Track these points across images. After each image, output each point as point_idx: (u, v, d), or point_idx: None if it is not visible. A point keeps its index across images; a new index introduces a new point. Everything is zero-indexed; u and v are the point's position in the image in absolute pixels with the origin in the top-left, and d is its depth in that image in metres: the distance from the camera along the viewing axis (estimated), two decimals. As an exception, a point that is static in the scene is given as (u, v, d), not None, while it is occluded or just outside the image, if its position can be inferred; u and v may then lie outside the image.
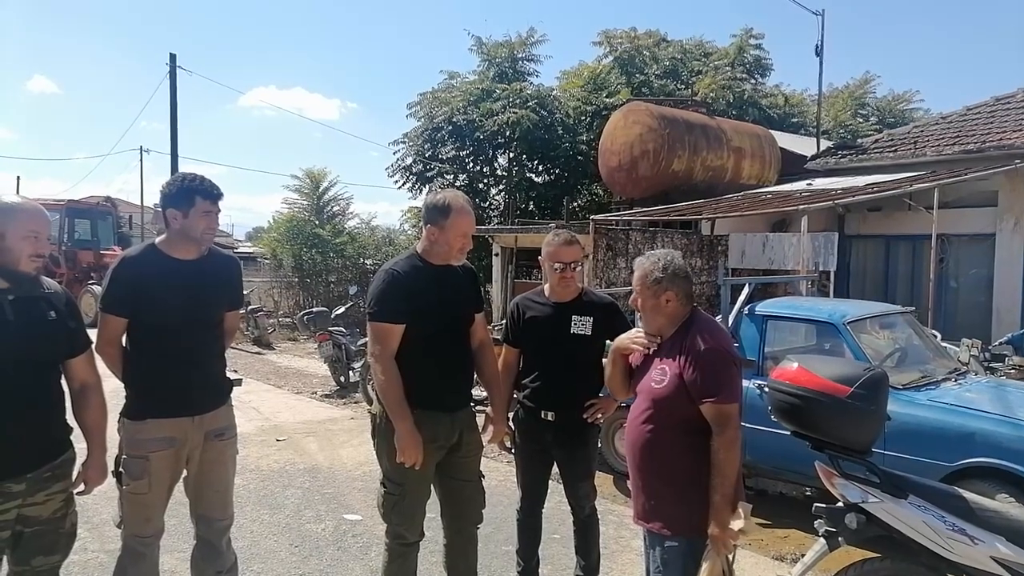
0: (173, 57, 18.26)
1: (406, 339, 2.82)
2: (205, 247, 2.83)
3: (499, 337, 3.65)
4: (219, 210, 2.81)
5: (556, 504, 3.85)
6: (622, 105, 14.54)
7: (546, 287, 3.40)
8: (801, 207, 9.04)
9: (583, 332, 3.27)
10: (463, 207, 2.90)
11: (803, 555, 3.13)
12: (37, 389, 2.41)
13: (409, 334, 2.82)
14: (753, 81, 20.68)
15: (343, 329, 9.97)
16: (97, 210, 17.79)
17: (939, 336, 6.96)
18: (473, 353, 3.09)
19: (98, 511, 4.27)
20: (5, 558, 2.42)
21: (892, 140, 12.63)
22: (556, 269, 3.26)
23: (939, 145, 11.44)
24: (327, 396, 8.90)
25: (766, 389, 2.97)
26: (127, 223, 19.93)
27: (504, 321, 3.79)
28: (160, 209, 2.84)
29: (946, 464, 4.09)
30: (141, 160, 31.96)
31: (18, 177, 31.29)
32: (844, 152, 13.13)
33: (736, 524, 2.36)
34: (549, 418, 3.28)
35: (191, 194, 2.73)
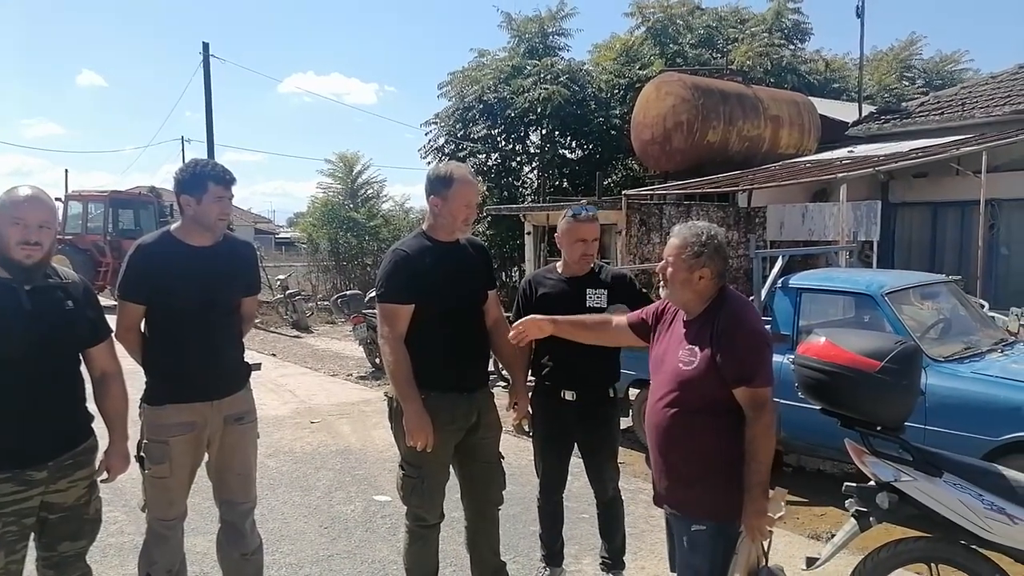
0: (206, 46, 18.54)
1: (417, 319, 2.79)
2: (220, 232, 2.82)
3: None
4: (232, 195, 2.80)
5: (584, 484, 3.79)
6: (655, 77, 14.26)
7: (559, 264, 3.35)
8: (840, 175, 8.76)
9: (599, 305, 3.20)
10: (465, 176, 2.86)
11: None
12: (57, 377, 2.44)
13: (420, 314, 2.79)
14: (792, 47, 20.06)
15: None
16: (139, 200, 18.18)
17: (987, 306, 6.70)
18: (488, 332, 3.04)
19: (135, 495, 4.35)
20: (33, 544, 2.47)
21: (938, 102, 12.14)
22: (579, 245, 3.19)
23: (988, 106, 10.95)
24: (362, 378, 8.99)
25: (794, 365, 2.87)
26: (170, 211, 20.34)
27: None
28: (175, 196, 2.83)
29: (990, 439, 3.92)
30: (183, 149, 32.54)
31: (66, 171, 31.93)
32: (887, 117, 12.66)
33: (774, 511, 2.28)
34: (570, 398, 3.21)
35: (203, 180, 2.72)
